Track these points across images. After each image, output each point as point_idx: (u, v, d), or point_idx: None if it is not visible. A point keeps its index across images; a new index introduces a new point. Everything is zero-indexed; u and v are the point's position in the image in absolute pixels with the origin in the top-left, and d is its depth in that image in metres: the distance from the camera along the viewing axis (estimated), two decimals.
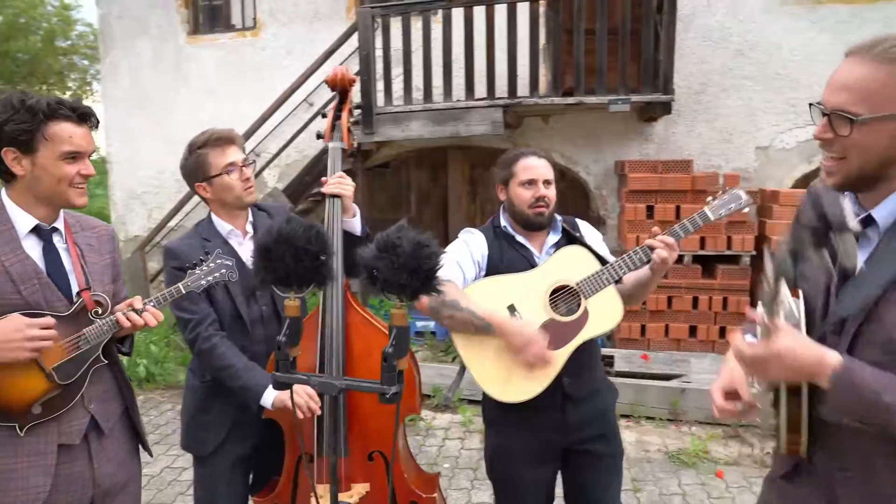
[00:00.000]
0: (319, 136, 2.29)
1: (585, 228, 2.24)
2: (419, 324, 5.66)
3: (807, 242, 1.17)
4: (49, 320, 1.60)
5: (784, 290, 1.22)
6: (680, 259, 5.22)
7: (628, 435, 4.30)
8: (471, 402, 4.70)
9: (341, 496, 1.98)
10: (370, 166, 6.63)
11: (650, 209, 5.35)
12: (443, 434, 4.45)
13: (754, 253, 5.21)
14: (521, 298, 2.03)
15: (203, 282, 1.86)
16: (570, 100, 5.66)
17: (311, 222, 1.34)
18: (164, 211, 7.50)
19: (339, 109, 2.21)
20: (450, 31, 5.60)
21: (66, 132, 1.62)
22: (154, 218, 7.58)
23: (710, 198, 2.15)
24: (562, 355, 1.98)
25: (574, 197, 6.62)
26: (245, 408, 2.09)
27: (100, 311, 1.72)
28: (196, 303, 2.09)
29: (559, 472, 2.21)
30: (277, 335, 1.37)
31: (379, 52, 5.88)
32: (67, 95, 29.10)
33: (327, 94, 6.34)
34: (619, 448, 2.20)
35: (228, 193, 2.14)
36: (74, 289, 1.72)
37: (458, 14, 5.59)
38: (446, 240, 6.05)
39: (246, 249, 2.19)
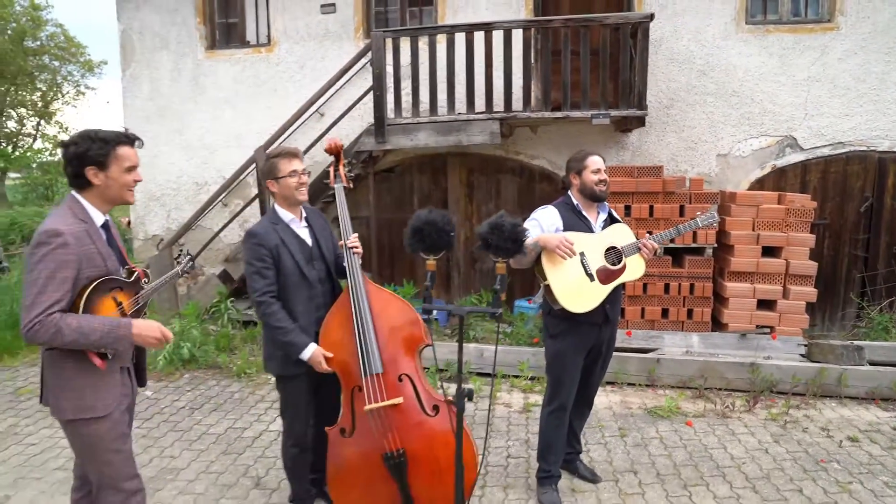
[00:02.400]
0: (326, 182, 3.32)
1: (614, 214, 3.50)
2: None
3: None
4: (169, 334, 2.38)
5: None
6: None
7: (614, 397, 5.14)
8: (479, 374, 5.48)
9: (378, 403, 2.89)
10: (378, 170, 7.34)
11: (627, 208, 6.17)
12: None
13: (715, 245, 6.09)
14: (589, 249, 3.24)
15: (170, 278, 2.79)
16: (558, 114, 6.47)
17: (444, 212, 2.12)
18: (183, 212, 8.15)
19: (336, 166, 3.30)
20: (453, 52, 6.36)
21: (127, 153, 2.36)
22: (172, 218, 8.19)
23: (699, 212, 3.45)
24: (607, 289, 3.23)
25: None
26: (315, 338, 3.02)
27: (146, 281, 2.50)
28: (265, 276, 2.96)
29: None
30: (330, 290, 2.66)
31: (390, 70, 6.62)
32: (37, 97, 28.65)
33: (337, 105, 7.08)
34: (613, 347, 3.59)
35: (288, 191, 3.04)
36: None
37: (460, 37, 6.35)
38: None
39: (303, 232, 3.11)
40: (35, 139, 27.96)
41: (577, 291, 3.19)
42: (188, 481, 3.80)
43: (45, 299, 2.16)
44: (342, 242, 3.10)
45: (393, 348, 2.99)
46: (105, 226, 2.42)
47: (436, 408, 2.94)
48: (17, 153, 26.16)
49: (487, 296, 6.87)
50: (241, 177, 7.25)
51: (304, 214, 3.17)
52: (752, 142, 6.94)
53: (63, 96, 29.31)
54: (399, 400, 2.91)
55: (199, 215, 7.35)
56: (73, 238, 2.23)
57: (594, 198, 3.32)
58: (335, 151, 3.29)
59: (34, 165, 26.23)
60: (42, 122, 28.08)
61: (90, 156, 2.30)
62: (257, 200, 7.21)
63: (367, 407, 2.87)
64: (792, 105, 6.80)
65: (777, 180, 6.95)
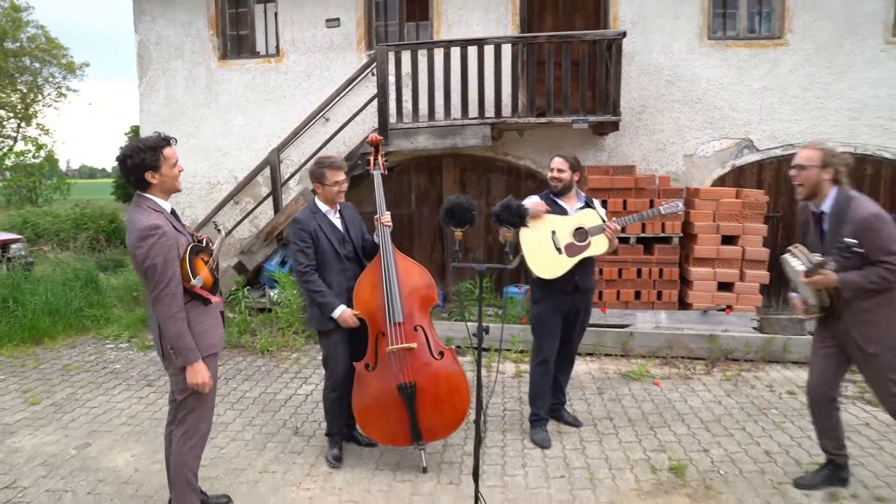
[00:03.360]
0: (367, 169, 4.12)
1: (596, 204, 4.25)
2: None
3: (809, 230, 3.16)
4: (207, 386, 3.02)
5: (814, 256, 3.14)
6: (627, 240, 6.90)
7: (593, 365, 5.94)
8: (475, 348, 6.22)
9: (399, 346, 3.71)
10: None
11: (604, 202, 6.97)
12: None
13: (681, 235, 6.91)
14: (560, 228, 4.07)
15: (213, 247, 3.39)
16: (542, 119, 7.26)
17: (468, 197, 2.89)
18: (195, 209, 8.81)
19: (375, 156, 4.09)
20: (449, 64, 7.10)
21: (170, 152, 2.97)
22: (186, 215, 8.83)
23: (662, 201, 4.21)
24: (573, 261, 4.04)
25: None
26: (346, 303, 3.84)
27: (210, 243, 3.19)
28: (306, 253, 3.79)
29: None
30: (357, 266, 3.74)
31: (392, 80, 7.36)
32: (17, 98, 28.48)
33: (341, 111, 7.79)
34: (589, 314, 4.30)
35: (330, 195, 3.87)
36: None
37: (455, 51, 7.11)
38: (442, 229, 8.02)
39: (336, 221, 3.93)
40: (16, 141, 28.12)
41: (546, 261, 4.05)
42: (237, 431, 4.51)
43: (165, 278, 2.82)
44: (377, 217, 3.86)
45: (412, 304, 3.81)
46: (172, 211, 3.08)
47: (441, 353, 3.79)
48: None
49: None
50: (253, 177, 7.94)
51: (338, 207, 3.94)
52: (714, 144, 7.79)
53: (44, 98, 29.48)
54: (414, 345, 3.73)
55: (215, 213, 8.02)
56: (167, 227, 2.88)
57: (552, 189, 4.20)
58: (376, 144, 4.06)
59: (8, 165, 26.26)
60: (23, 123, 28.23)
61: (146, 163, 2.89)
62: (270, 199, 7.92)
63: (389, 348, 3.68)
64: (748, 111, 7.67)
65: (736, 178, 7.82)
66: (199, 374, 2.93)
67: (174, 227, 2.93)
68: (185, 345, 2.89)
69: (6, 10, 25.49)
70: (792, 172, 3.34)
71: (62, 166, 29.69)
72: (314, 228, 3.79)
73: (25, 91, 28.01)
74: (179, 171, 3.03)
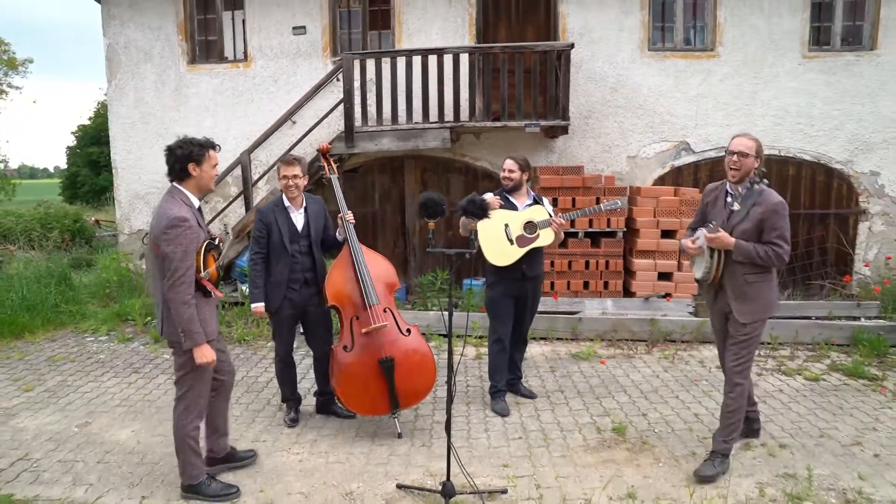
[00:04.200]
0: (322, 177, 4.87)
1: (545, 201, 4.78)
2: None
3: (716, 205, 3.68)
4: (212, 364, 3.47)
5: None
6: (576, 234, 7.53)
7: (546, 347, 6.54)
8: (440, 334, 6.76)
9: (377, 325, 4.22)
10: (344, 170, 8.52)
11: (555, 200, 7.59)
12: None
13: (625, 229, 7.58)
14: (512, 222, 4.59)
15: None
16: (497, 123, 7.84)
17: (439, 194, 3.41)
18: None
19: (328, 162, 4.64)
20: (411, 71, 7.61)
21: (213, 154, 3.45)
22: None
23: (605, 199, 4.81)
24: (522, 251, 4.56)
25: None
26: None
27: (222, 244, 3.69)
28: (258, 242, 4.34)
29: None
30: (310, 261, 4.31)
31: (357, 85, 7.83)
32: None
33: (307, 114, 8.20)
34: (538, 299, 4.88)
35: (282, 187, 4.38)
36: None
37: (417, 59, 7.62)
38: (404, 226, 8.63)
39: (297, 217, 4.42)
40: None
41: (499, 251, 4.62)
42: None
43: (184, 267, 3.22)
44: (341, 215, 4.37)
45: (380, 289, 4.36)
46: (199, 208, 3.55)
47: (408, 331, 4.35)
48: None
49: (441, 273, 8.13)
50: (223, 178, 8.29)
51: (304, 203, 4.43)
52: (654, 146, 8.51)
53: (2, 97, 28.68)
54: (386, 324, 4.26)
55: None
56: (193, 221, 3.31)
57: (505, 187, 4.80)
58: (324, 152, 4.66)
59: None
60: None
61: (193, 155, 3.34)
62: (241, 198, 8.29)
63: (366, 329, 4.20)
64: (685, 116, 8.41)
65: (675, 177, 8.55)
66: (206, 355, 3.34)
67: (198, 222, 3.35)
68: (195, 328, 3.28)
69: None
70: (733, 159, 3.65)
71: None
72: (270, 221, 4.34)
73: None
74: (216, 173, 3.50)
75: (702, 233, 3.77)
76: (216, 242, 3.55)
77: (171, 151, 3.37)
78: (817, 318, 6.96)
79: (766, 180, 3.72)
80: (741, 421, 3.91)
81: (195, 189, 3.42)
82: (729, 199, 3.76)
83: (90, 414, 4.82)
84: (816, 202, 8.55)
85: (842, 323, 6.67)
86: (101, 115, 30.69)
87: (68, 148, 34.17)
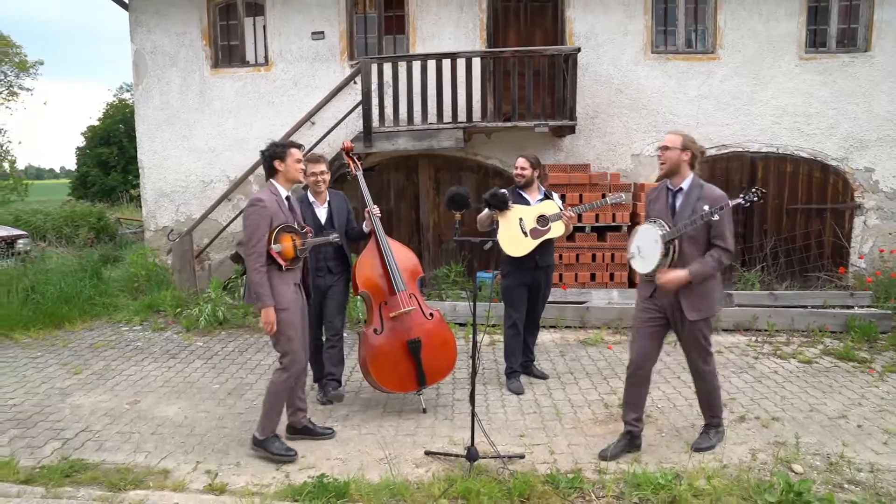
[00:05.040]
0: (346, 174, 5.17)
1: (555, 196, 5.15)
2: None
3: (659, 204, 3.85)
4: (272, 329, 3.87)
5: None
6: (583, 229, 7.93)
7: (556, 335, 6.94)
8: (455, 323, 7.17)
9: (405, 309, 4.62)
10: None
11: (563, 196, 7.99)
12: None
13: (630, 224, 7.98)
14: (526, 216, 4.93)
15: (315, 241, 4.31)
16: (508, 123, 8.25)
17: (464, 188, 3.83)
18: (190, 206, 9.53)
19: (352, 159, 5.04)
20: (426, 74, 8.01)
21: (295, 152, 4.00)
22: (182, 212, 9.56)
23: (610, 193, 5.14)
24: (536, 242, 4.95)
25: None
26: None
27: (310, 235, 4.11)
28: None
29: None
30: (332, 253, 4.71)
31: (374, 88, 8.23)
32: None
33: (325, 115, 8.59)
34: (550, 287, 5.27)
35: (314, 185, 4.77)
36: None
37: (431, 63, 8.02)
38: (419, 222, 9.07)
39: (320, 211, 4.83)
40: None
41: (514, 242, 4.99)
42: (261, 389, 5.34)
43: (255, 239, 3.76)
44: (368, 209, 4.78)
45: (406, 276, 4.75)
46: (287, 198, 4.02)
47: (431, 315, 4.76)
48: None
49: (455, 266, 8.54)
50: (247, 176, 8.72)
51: (328, 198, 4.86)
52: (657, 144, 8.87)
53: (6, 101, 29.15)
54: (412, 308, 4.67)
55: (211, 210, 8.76)
56: (269, 202, 3.84)
57: (517, 184, 5.15)
58: (349, 150, 5.10)
59: None
60: None
61: (276, 153, 3.96)
62: None
63: (394, 313, 4.60)
64: (687, 116, 8.79)
65: None
66: (268, 316, 3.83)
67: (278, 206, 3.89)
68: (263, 292, 3.80)
69: None
70: (658, 154, 3.81)
71: (5, 166, 29.39)
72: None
73: None
74: (301, 168, 4.04)
75: (646, 231, 3.87)
76: (300, 229, 4.02)
77: (262, 154, 4.03)
78: (813, 307, 7.34)
79: (763, 189, 3.96)
80: (719, 396, 4.15)
81: (284, 181, 4.02)
82: (678, 196, 3.82)
83: (137, 393, 5.25)
84: (813, 197, 8.92)
85: (835, 311, 7.06)
86: (109, 116, 31.21)
87: (78, 148, 34.63)
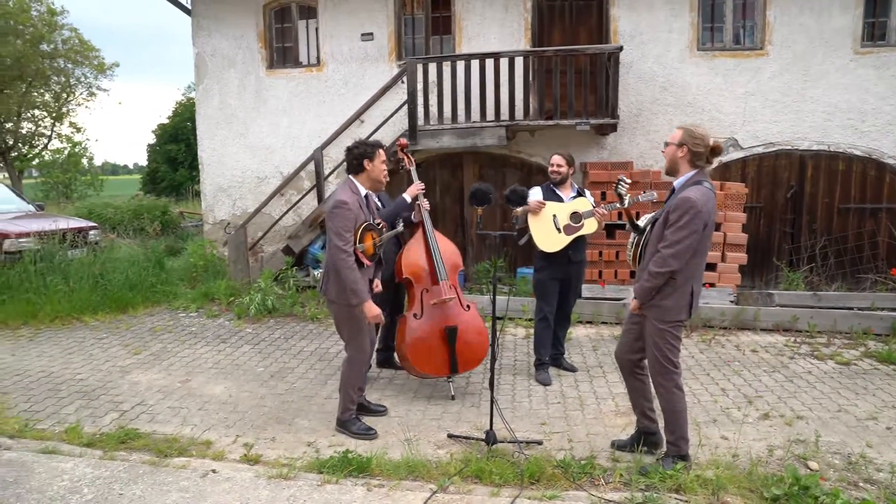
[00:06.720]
0: (402, 168, 5.31)
1: (587, 193, 5.32)
2: None
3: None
4: (379, 319, 4.10)
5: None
6: (623, 226, 7.97)
7: (591, 330, 7.03)
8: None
9: (446, 297, 4.82)
10: None
11: (603, 194, 8.06)
12: None
13: None
14: (559, 212, 5.12)
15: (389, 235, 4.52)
16: (550, 122, 8.36)
17: (488, 184, 4.02)
18: (245, 201, 10.02)
19: (407, 155, 5.24)
20: (470, 74, 8.21)
21: (382, 153, 4.21)
22: (238, 206, 10.06)
23: (643, 191, 5.20)
24: (569, 238, 5.10)
25: None
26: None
27: (385, 229, 4.35)
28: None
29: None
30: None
31: (420, 87, 8.48)
32: (50, 97, 29.62)
33: (374, 114, 8.89)
34: (582, 281, 5.40)
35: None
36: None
37: (475, 63, 8.22)
38: (463, 218, 9.31)
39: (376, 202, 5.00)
40: (50, 139, 29.55)
41: (548, 238, 5.17)
42: (303, 373, 5.68)
43: (343, 239, 3.93)
44: (419, 202, 5.01)
45: (448, 267, 4.96)
46: (366, 196, 4.23)
47: (468, 307, 4.97)
48: (32, 154, 27.52)
49: (495, 261, 8.70)
50: (297, 173, 9.12)
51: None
52: None
53: (75, 97, 30.90)
54: (452, 297, 4.88)
55: (265, 204, 9.20)
56: (352, 204, 4.03)
57: (552, 181, 5.31)
58: (404, 147, 5.32)
59: (47, 160, 27.73)
60: (56, 123, 29.64)
61: (366, 153, 4.15)
62: (313, 191, 9.09)
63: (435, 300, 4.82)
64: (733, 113, 8.70)
65: (723, 173, 8.84)
66: (371, 309, 4.05)
67: (360, 205, 4.07)
68: (361, 288, 4.02)
69: (42, 14, 26.90)
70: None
71: (84, 163, 31.06)
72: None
73: (58, 91, 29.44)
74: (386, 168, 4.22)
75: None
76: (378, 225, 4.27)
77: (349, 151, 4.20)
78: (859, 308, 7.18)
79: (627, 181, 4.04)
80: (683, 421, 3.72)
81: (366, 181, 4.21)
82: (669, 198, 3.69)
83: (189, 373, 5.66)
84: (867, 197, 8.68)
85: (882, 313, 6.89)
86: (178, 115, 32.64)
87: (149, 146, 36.32)
